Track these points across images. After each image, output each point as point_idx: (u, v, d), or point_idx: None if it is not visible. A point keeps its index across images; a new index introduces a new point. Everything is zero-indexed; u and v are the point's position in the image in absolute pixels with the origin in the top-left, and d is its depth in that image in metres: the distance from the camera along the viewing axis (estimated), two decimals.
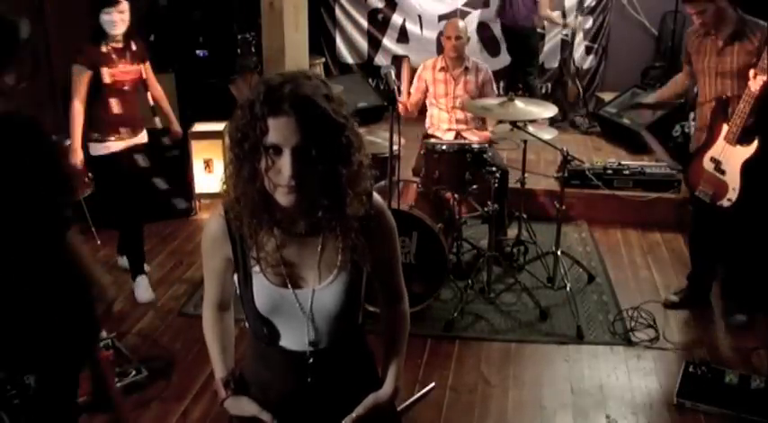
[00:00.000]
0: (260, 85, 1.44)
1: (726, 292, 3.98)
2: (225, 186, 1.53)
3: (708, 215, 3.78)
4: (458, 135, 4.71)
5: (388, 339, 1.77)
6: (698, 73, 3.68)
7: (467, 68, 4.67)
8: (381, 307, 1.80)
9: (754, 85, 3.29)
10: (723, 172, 3.53)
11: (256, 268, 1.58)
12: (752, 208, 3.55)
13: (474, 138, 4.64)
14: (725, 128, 3.49)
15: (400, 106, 4.59)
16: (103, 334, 3.63)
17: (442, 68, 4.69)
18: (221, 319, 1.77)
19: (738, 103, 3.40)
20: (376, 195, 1.64)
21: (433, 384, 3.37)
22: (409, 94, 4.82)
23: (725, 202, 3.54)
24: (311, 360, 1.63)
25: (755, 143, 3.41)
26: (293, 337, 1.62)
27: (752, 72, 3.31)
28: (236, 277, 1.65)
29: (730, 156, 3.49)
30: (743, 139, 3.43)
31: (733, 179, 3.49)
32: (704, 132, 3.66)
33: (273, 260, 1.57)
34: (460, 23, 4.69)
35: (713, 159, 3.57)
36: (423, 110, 4.92)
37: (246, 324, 1.69)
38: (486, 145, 4.19)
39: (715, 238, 3.86)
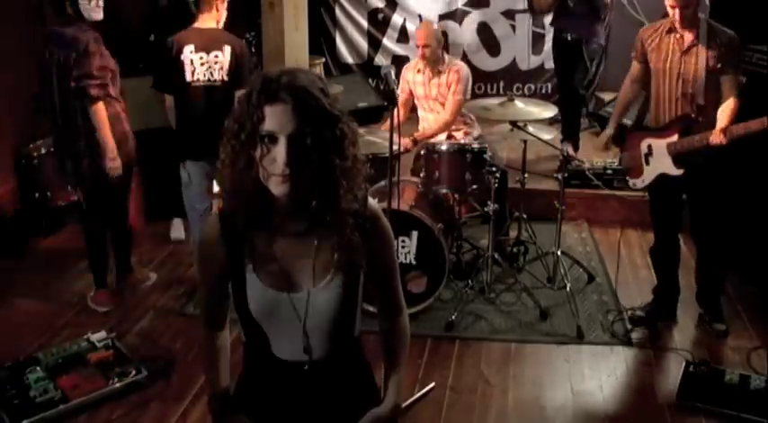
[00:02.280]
0: (257, 78, 1.46)
1: (702, 303, 3.93)
2: (219, 181, 1.53)
3: (668, 226, 3.84)
4: (448, 136, 4.69)
5: (388, 354, 1.75)
6: (656, 71, 3.60)
7: (439, 71, 4.60)
8: (380, 320, 1.78)
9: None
10: (648, 163, 3.68)
11: (250, 269, 1.56)
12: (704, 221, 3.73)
13: (461, 136, 4.65)
14: (675, 137, 3.55)
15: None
16: (103, 334, 3.65)
17: (419, 70, 4.67)
18: (216, 339, 1.76)
19: (701, 109, 3.47)
20: (372, 200, 1.63)
21: (432, 384, 3.37)
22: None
23: (635, 183, 3.81)
24: (306, 367, 1.60)
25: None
26: (288, 347, 1.60)
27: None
28: (230, 287, 1.62)
29: (662, 156, 3.60)
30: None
31: (651, 173, 3.68)
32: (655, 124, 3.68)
33: (267, 260, 1.55)
34: (433, 27, 4.58)
35: (649, 147, 3.68)
36: (413, 109, 4.92)
37: (242, 336, 1.67)
38: (486, 145, 4.19)
39: (674, 250, 3.88)
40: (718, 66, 3.41)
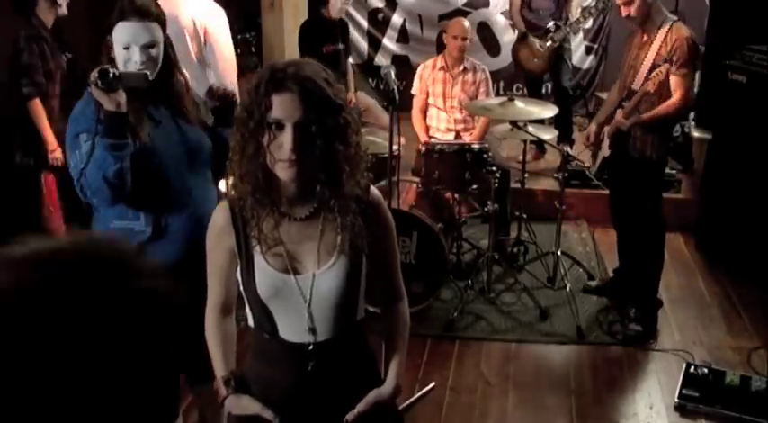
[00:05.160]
0: (265, 68, 1.54)
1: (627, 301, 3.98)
2: (230, 168, 1.60)
3: (620, 217, 3.95)
4: (457, 136, 4.71)
5: (389, 338, 1.79)
6: (623, 65, 3.74)
7: (465, 69, 4.67)
8: (382, 306, 1.83)
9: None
10: (600, 148, 3.91)
11: (258, 252, 1.62)
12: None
13: (468, 137, 4.67)
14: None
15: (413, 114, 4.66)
16: None
17: (442, 67, 4.70)
18: (223, 323, 1.79)
19: (630, 94, 3.59)
20: (374, 188, 1.70)
21: (432, 384, 3.37)
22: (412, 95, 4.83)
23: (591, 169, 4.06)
24: (311, 348, 1.64)
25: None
26: (293, 328, 1.65)
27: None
28: (238, 272, 1.67)
29: (605, 140, 3.81)
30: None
31: (599, 158, 3.94)
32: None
33: (274, 243, 1.61)
34: (466, 23, 4.67)
35: (603, 134, 3.84)
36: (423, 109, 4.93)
37: (249, 320, 1.71)
38: (486, 144, 4.19)
39: (634, 242, 3.93)
40: (661, 62, 3.45)
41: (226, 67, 3.77)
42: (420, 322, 3.84)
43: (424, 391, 3.32)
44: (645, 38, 3.56)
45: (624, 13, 3.53)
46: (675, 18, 3.57)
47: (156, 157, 2.18)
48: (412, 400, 3.24)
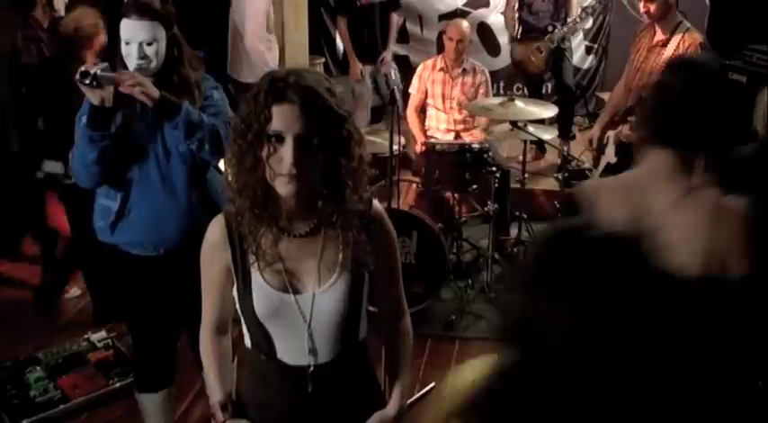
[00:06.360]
0: (265, 77, 1.46)
1: None
2: (227, 180, 1.54)
3: None
4: (457, 136, 4.71)
5: (391, 357, 1.74)
6: (630, 65, 3.71)
7: (465, 70, 4.67)
8: (383, 323, 1.77)
9: None
10: (604, 152, 3.80)
11: (256, 271, 1.55)
12: None
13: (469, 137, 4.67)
14: (619, 128, 3.66)
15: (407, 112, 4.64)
16: (103, 334, 3.64)
17: (442, 68, 4.69)
18: (219, 343, 1.74)
19: (642, 102, 3.48)
20: (376, 202, 1.64)
21: (433, 384, 3.37)
22: (408, 94, 4.83)
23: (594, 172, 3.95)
24: (311, 370, 1.59)
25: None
26: (293, 349, 1.59)
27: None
28: (234, 290, 1.61)
29: (610, 145, 3.74)
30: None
31: (602, 162, 3.81)
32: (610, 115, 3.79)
33: (272, 260, 1.54)
34: (464, 25, 4.67)
35: (607, 138, 3.79)
36: (422, 109, 4.92)
37: (246, 340, 1.66)
38: (486, 144, 4.19)
39: None
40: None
41: None
42: (420, 322, 3.83)
43: (424, 391, 3.32)
44: (656, 39, 3.52)
45: (644, 9, 3.51)
46: (689, 25, 3.53)
47: (132, 145, 2.30)
48: (412, 400, 3.24)
